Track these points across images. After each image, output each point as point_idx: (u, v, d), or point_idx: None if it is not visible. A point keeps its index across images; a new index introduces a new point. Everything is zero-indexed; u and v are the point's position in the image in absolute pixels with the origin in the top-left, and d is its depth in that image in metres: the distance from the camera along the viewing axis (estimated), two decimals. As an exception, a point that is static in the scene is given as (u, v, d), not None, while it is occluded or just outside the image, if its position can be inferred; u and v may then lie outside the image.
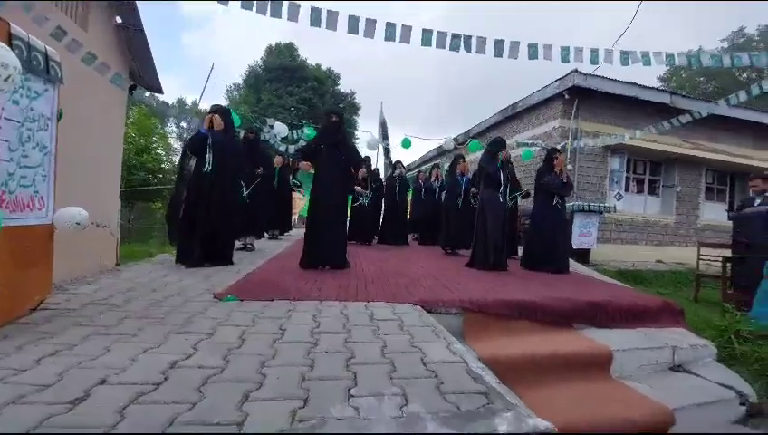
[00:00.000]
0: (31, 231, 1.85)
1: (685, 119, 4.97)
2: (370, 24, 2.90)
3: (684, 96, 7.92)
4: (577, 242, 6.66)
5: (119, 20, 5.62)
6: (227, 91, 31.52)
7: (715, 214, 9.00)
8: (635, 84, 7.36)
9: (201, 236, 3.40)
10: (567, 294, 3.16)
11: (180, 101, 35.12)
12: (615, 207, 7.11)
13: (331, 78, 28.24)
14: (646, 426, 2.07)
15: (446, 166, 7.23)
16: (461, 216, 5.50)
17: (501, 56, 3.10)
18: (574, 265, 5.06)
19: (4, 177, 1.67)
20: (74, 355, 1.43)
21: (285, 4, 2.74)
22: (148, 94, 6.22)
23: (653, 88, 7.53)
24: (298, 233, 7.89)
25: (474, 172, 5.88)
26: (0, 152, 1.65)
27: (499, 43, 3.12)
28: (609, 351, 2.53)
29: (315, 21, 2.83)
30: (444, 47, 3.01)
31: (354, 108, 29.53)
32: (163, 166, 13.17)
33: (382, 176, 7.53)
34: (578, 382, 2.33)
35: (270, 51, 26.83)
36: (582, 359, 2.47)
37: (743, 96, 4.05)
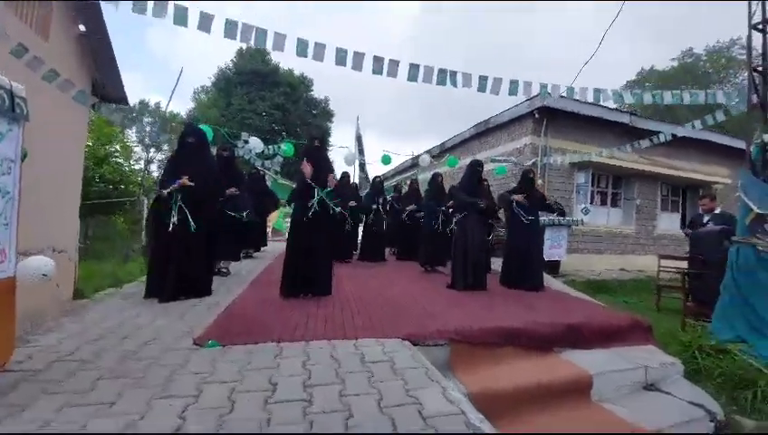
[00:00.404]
0: (-11, 288, 1.68)
1: (645, 143, 5.34)
2: (358, 56, 2.89)
3: (641, 117, 8.49)
4: (548, 254, 6.92)
5: (82, 28, 5.28)
6: (195, 93, 30.41)
7: (669, 224, 9.68)
8: (598, 105, 7.80)
9: (176, 270, 3.22)
10: (547, 317, 3.27)
11: (143, 103, 33.33)
12: (583, 220, 7.47)
13: (304, 84, 27.89)
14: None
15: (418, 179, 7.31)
16: (439, 234, 5.58)
17: (484, 91, 3.21)
18: (548, 280, 5.25)
19: (-41, 233, 1.51)
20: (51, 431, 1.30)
21: (271, 34, 2.68)
22: (114, 107, 5.88)
23: (615, 109, 8.04)
24: (272, 248, 7.69)
25: (449, 190, 6.00)
26: (-46, 207, 1.48)
27: (483, 79, 3.22)
28: (590, 375, 2.65)
29: (302, 52, 2.78)
30: (431, 82, 3.07)
31: (328, 114, 29.32)
32: (124, 177, 12.40)
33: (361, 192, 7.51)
34: (563, 410, 2.42)
35: (241, 54, 26.12)
36: (566, 386, 2.57)
37: (698, 125, 4.44)
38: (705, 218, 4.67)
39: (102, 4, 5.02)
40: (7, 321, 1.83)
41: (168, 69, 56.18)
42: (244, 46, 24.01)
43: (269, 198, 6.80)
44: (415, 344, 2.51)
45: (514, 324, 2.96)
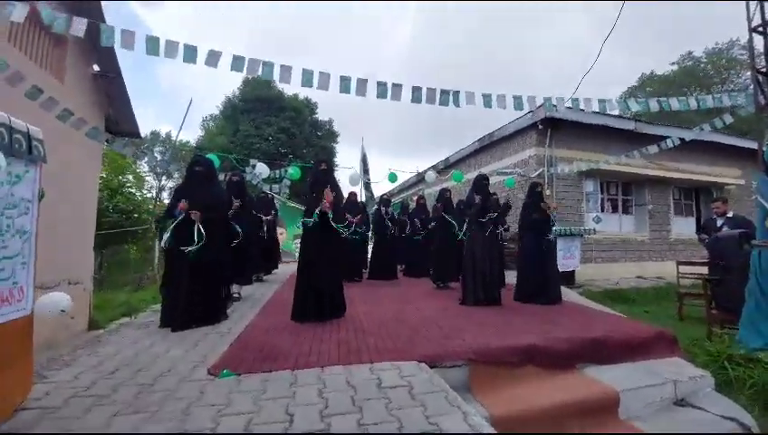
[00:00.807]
0: (9, 327, 1.69)
1: (653, 149, 5.31)
2: (362, 83, 2.97)
3: (646, 122, 8.46)
4: (562, 265, 6.80)
5: (96, 68, 5.53)
6: (203, 121, 31.27)
7: (684, 228, 9.48)
8: (602, 113, 7.82)
9: (187, 298, 3.23)
10: (566, 332, 3.18)
11: (154, 134, 34.36)
12: (594, 229, 7.36)
13: (308, 107, 28.52)
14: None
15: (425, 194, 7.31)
16: (449, 250, 5.53)
17: (489, 107, 3.24)
18: (565, 292, 5.13)
19: (-20, 274, 1.54)
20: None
21: (277, 67, 2.77)
22: (126, 140, 6.05)
23: (619, 116, 8.03)
24: (283, 271, 7.69)
25: (456, 205, 6.00)
26: (-24, 248, 1.52)
27: (487, 97, 3.26)
28: (616, 392, 2.54)
29: (307, 82, 2.86)
30: (434, 102, 3.12)
31: (333, 135, 29.81)
32: (137, 207, 12.66)
33: (368, 210, 7.53)
34: (590, 430, 2.31)
35: (247, 82, 26.92)
36: (592, 404, 2.47)
37: (706, 128, 4.41)
38: (720, 222, 4.58)
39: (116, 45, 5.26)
40: (25, 358, 1.85)
41: (178, 100, 58.16)
42: (250, 76, 24.87)
43: (277, 220, 6.86)
44: (432, 367, 2.45)
45: (533, 341, 2.88)
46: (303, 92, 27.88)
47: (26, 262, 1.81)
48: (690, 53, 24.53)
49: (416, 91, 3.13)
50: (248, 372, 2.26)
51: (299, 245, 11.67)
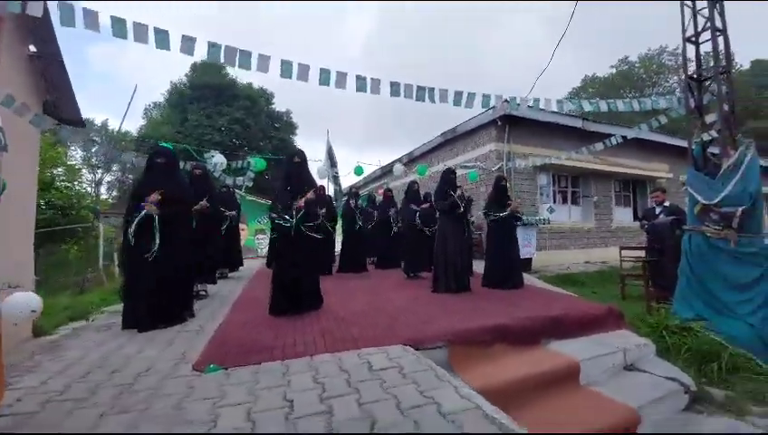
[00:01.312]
0: (-28, 330, 1.54)
1: (599, 146, 5.85)
2: (341, 76, 2.97)
3: (593, 121, 9.24)
4: (521, 253, 7.28)
5: (32, 49, 4.95)
6: (146, 110, 28.95)
7: (623, 217, 10.51)
8: (554, 112, 8.40)
9: (152, 297, 3.06)
10: (530, 312, 3.46)
11: (88, 122, 31.21)
12: (548, 219, 7.94)
13: (264, 97, 27.41)
14: (619, 428, 2.36)
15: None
16: (420, 240, 5.71)
17: (460, 105, 3.40)
18: (525, 277, 5.51)
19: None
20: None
21: (255, 54, 2.69)
22: (71, 129, 5.52)
23: (569, 114, 8.68)
24: (248, 266, 7.46)
25: (424, 197, 6.19)
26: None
27: (458, 94, 3.41)
28: (577, 362, 2.83)
29: (286, 72, 2.80)
30: (411, 98, 3.20)
31: (291, 127, 28.96)
32: (74, 202, 11.52)
33: (335, 204, 7.50)
34: (558, 396, 2.57)
35: (195, 68, 25.25)
36: (557, 374, 2.73)
37: (644, 127, 4.96)
38: (658, 210, 5.16)
39: (55, 22, 4.72)
40: (-9, 364, 1.70)
41: (113, 85, 53.08)
42: (199, 60, 23.27)
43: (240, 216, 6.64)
44: (416, 349, 2.57)
45: (503, 322, 3.12)
46: (259, 81, 26.78)
47: (-12, 259, 1.65)
48: (626, 57, 26.97)
49: (394, 85, 3.20)
50: (236, 366, 2.23)
51: (260, 241, 11.30)
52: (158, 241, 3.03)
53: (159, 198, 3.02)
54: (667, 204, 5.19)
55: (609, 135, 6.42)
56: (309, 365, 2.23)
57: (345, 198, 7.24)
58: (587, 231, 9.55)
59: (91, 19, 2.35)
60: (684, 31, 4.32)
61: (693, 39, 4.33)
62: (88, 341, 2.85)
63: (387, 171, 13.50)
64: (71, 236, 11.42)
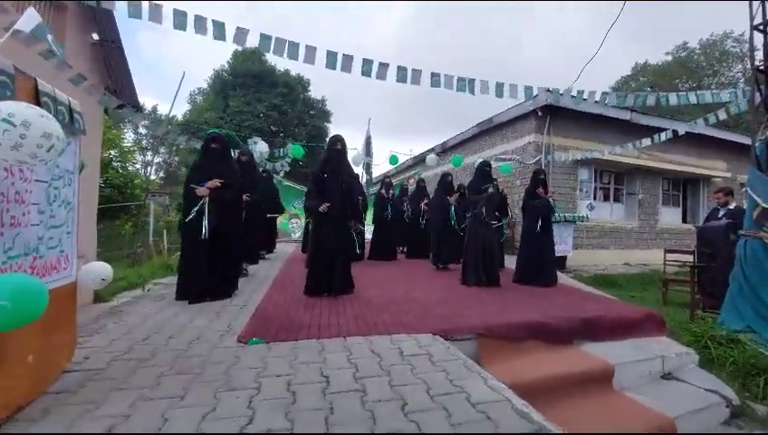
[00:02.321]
0: (57, 293, 1.76)
1: (647, 142, 5.49)
2: (383, 67, 3.00)
3: (642, 113, 8.64)
4: (556, 250, 7.07)
5: (95, 36, 5.35)
6: (191, 95, 30.31)
7: (671, 218, 9.87)
8: (596, 102, 7.94)
9: (206, 272, 3.32)
10: (564, 312, 3.40)
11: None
12: (588, 216, 7.62)
13: (301, 84, 27.85)
14: (652, 436, 2.30)
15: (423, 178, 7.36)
16: (449, 232, 5.69)
17: (501, 96, 3.33)
18: (559, 276, 5.37)
19: (35, 242, 1.60)
20: (134, 430, 1.40)
21: (303, 47, 2.78)
22: (128, 109, 5.92)
23: (616, 107, 8.16)
24: (281, 249, 7.79)
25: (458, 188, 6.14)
26: (31, 217, 1.58)
27: (500, 86, 3.34)
28: (611, 366, 2.77)
29: (331, 63, 2.88)
30: (452, 88, 3.18)
31: (326, 115, 29.30)
32: (129, 181, 12.44)
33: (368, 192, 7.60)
34: (589, 399, 2.53)
35: (236, 56, 26.05)
36: (590, 376, 2.69)
37: (700, 122, 4.59)
38: (721, 212, 4.72)
39: (121, 14, 5.05)
40: (70, 323, 1.94)
41: (161, 71, 55.88)
42: (239, 48, 23.93)
43: (278, 200, 6.91)
44: (446, 339, 2.62)
45: (537, 319, 3.09)
46: (296, 68, 27.17)
47: (71, 231, 1.87)
48: (685, 43, 24.74)
49: (434, 76, 3.19)
50: (276, 341, 2.39)
51: (294, 225, 11.69)
52: (208, 223, 3.26)
53: (219, 185, 3.24)
54: (731, 206, 4.68)
55: (660, 129, 6.03)
56: (343, 346, 2.35)
57: (378, 187, 7.31)
58: (629, 231, 9.07)
59: (156, 12, 2.53)
60: (752, 18, 3.95)
61: (761, 27, 3.95)
62: (146, 308, 3.15)
63: (419, 161, 13.41)
64: (125, 212, 12.39)
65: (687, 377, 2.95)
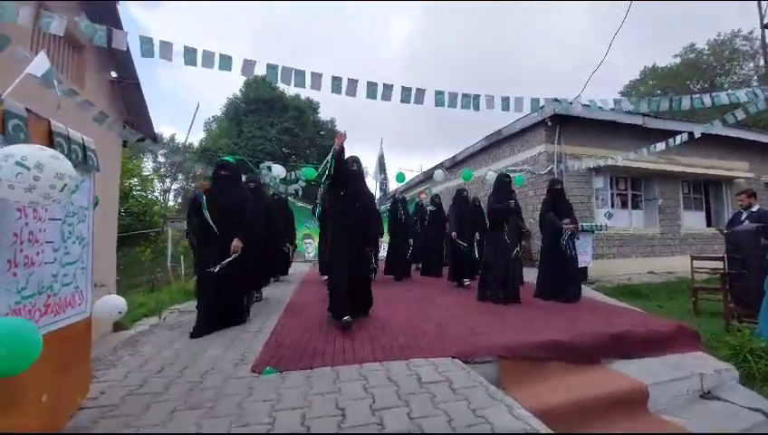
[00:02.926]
0: (72, 329, 1.77)
1: (661, 146, 5.34)
2: (387, 88, 3.03)
3: (654, 117, 8.46)
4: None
5: (113, 74, 5.62)
6: (206, 123, 31.41)
7: (694, 222, 9.50)
8: (611, 109, 7.83)
9: (212, 307, 3.31)
10: (589, 328, 3.24)
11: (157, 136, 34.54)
12: (606, 225, 7.39)
13: (311, 107, 28.60)
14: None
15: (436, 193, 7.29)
16: (465, 249, 5.59)
17: (508, 110, 3.31)
18: (583, 290, 5.17)
19: (49, 280, 1.61)
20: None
21: (309, 74, 2.84)
22: (148, 141, 6.11)
23: (628, 112, 8.01)
24: (295, 271, 7.79)
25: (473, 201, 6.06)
26: (45, 255, 1.59)
27: (505, 100, 3.32)
28: (645, 386, 2.60)
29: (336, 88, 2.93)
30: (456, 106, 3.18)
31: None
32: (152, 208, 12.80)
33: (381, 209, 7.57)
34: (623, 424, 2.37)
35: (248, 84, 27.03)
36: (622, 398, 2.53)
37: (717, 123, 4.43)
38: (744, 215, 4.52)
39: (133, 50, 5.24)
40: (85, 358, 1.93)
41: (176, 101, 58.25)
42: (249, 78, 24.79)
43: (292, 223, 6.95)
44: (465, 362, 2.52)
45: (559, 338, 2.95)
46: (305, 93, 27.94)
47: (85, 267, 1.89)
48: (693, 44, 24.45)
49: (438, 94, 3.19)
50: (290, 370, 2.33)
51: (307, 244, 11.69)
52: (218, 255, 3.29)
53: (241, 245, 3.33)
54: (755, 209, 4.49)
55: (675, 132, 5.85)
56: (359, 373, 2.27)
57: (389, 203, 7.29)
58: (650, 238, 8.75)
59: (167, 50, 2.62)
60: (762, 17, 3.85)
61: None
62: (161, 338, 3.15)
63: (428, 176, 13.40)
64: (144, 239, 12.70)
65: (728, 395, 2.75)
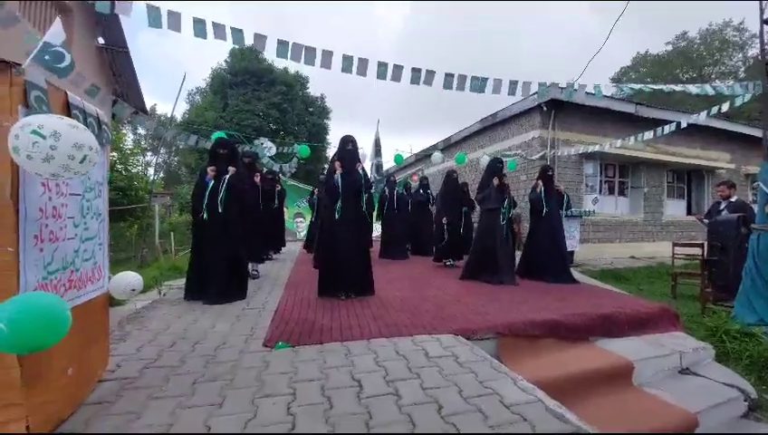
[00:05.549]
0: (92, 304, 1.78)
1: (649, 135, 5.49)
2: (397, 69, 3.00)
3: (646, 106, 8.62)
4: (563, 245, 7.10)
5: (101, 41, 5.34)
6: (189, 95, 30.16)
7: (676, 210, 9.88)
8: (604, 96, 7.93)
9: (218, 273, 3.40)
10: (579, 308, 3.43)
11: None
12: (594, 210, 7.63)
13: (300, 82, 27.72)
14: (676, 431, 2.33)
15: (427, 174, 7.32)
16: (454, 230, 5.72)
17: (514, 94, 3.33)
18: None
19: (72, 255, 1.61)
20: (179, 438, 1.42)
21: (320, 51, 2.78)
22: (141, 116, 5.92)
23: (620, 99, 8.14)
24: (289, 249, 7.81)
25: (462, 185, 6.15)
26: (68, 231, 1.59)
27: (513, 84, 3.35)
28: (630, 362, 2.80)
29: (347, 67, 2.88)
30: (464, 89, 3.19)
31: (325, 112, 29.21)
32: (135, 183, 12.40)
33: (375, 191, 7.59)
34: (610, 396, 2.56)
35: (233, 54, 25.89)
36: (609, 372, 2.72)
37: (703, 116, 4.60)
38: (722, 205, 4.78)
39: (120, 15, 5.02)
40: (104, 332, 1.96)
41: (158, 71, 55.54)
42: (236, 46, 23.70)
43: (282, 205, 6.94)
44: (467, 339, 2.65)
45: (554, 317, 3.11)
46: (294, 66, 27.02)
47: (102, 243, 1.89)
48: (685, 33, 24.63)
49: (448, 77, 3.19)
50: (301, 344, 2.41)
51: (298, 223, 11.67)
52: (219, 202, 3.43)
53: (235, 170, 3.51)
54: (733, 199, 4.79)
55: (664, 121, 6.00)
56: (368, 348, 2.37)
57: (383, 185, 7.32)
58: (634, 224, 9.09)
59: (175, 20, 2.52)
60: (762, 11, 3.94)
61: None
62: (166, 313, 3.17)
63: (420, 157, 13.39)
64: (130, 214, 12.36)
65: (705, 372, 2.98)
